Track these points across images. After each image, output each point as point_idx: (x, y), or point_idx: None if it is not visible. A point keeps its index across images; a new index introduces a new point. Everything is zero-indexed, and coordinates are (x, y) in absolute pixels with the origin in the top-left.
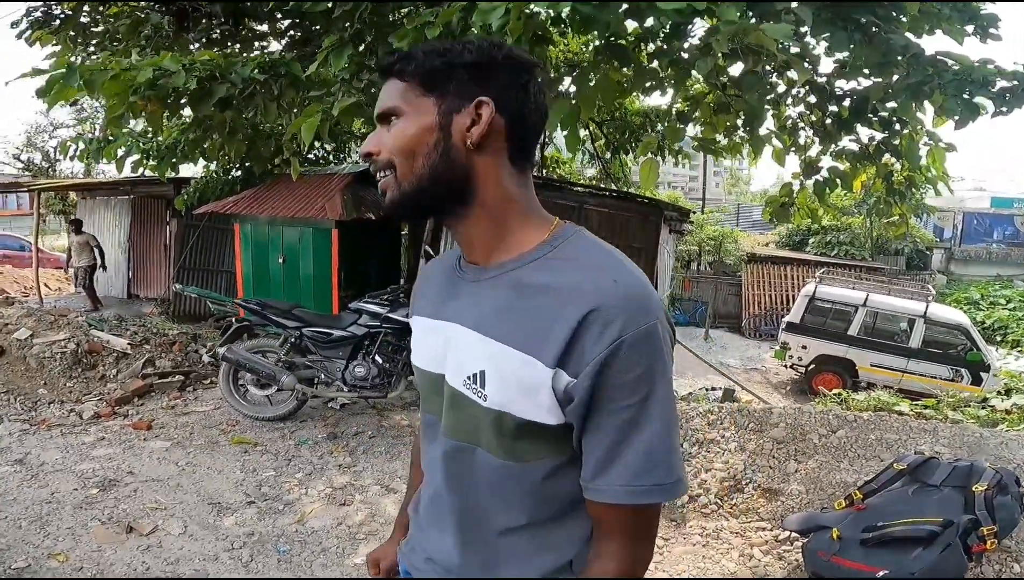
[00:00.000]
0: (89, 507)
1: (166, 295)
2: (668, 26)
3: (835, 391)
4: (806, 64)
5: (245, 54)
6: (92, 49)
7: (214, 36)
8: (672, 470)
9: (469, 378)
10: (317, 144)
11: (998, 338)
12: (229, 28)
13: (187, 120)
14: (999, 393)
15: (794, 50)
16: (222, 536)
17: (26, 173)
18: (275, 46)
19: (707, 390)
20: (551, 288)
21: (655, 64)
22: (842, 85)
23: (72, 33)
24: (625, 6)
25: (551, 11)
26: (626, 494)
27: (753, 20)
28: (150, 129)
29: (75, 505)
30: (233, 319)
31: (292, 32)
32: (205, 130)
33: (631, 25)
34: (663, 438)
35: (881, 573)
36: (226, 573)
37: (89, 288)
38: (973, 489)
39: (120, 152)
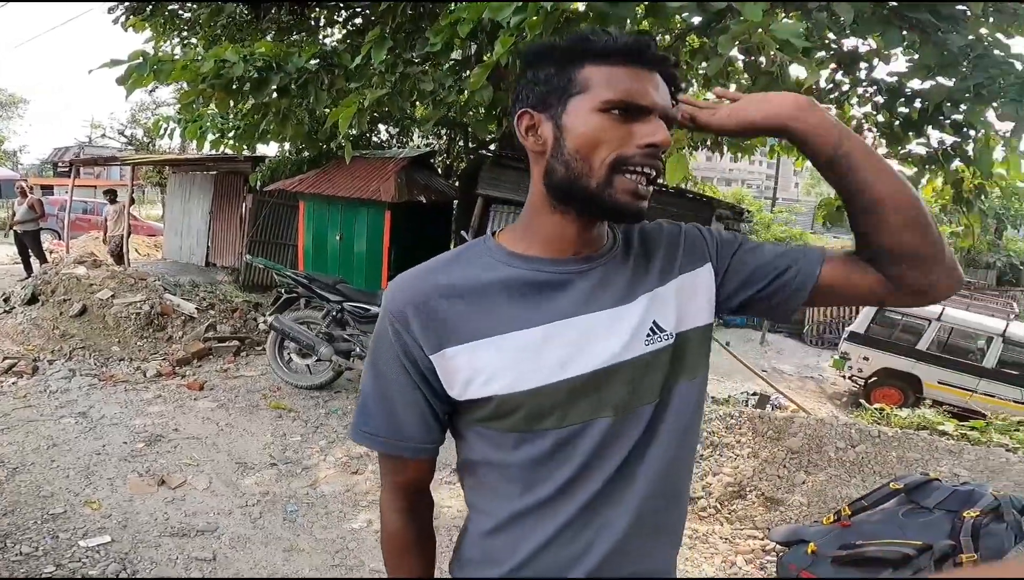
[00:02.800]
0: (132, 460)
1: (238, 265)
2: (697, 24)
3: (877, 406)
4: (864, 64)
5: (300, 45)
6: (184, 35)
7: (283, 25)
8: None
9: (649, 334)
10: (383, 127)
11: None
12: (295, 18)
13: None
14: None
15: (863, 48)
16: (240, 493)
17: (129, 148)
18: (338, 35)
19: (748, 394)
20: (647, 241)
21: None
22: (914, 86)
23: (161, 20)
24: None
25: (569, 7)
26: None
27: (784, 18)
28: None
29: (121, 457)
30: (283, 290)
31: (350, 23)
32: (264, 116)
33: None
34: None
35: None
36: (233, 527)
37: (118, 255)
38: (964, 514)
39: (200, 131)
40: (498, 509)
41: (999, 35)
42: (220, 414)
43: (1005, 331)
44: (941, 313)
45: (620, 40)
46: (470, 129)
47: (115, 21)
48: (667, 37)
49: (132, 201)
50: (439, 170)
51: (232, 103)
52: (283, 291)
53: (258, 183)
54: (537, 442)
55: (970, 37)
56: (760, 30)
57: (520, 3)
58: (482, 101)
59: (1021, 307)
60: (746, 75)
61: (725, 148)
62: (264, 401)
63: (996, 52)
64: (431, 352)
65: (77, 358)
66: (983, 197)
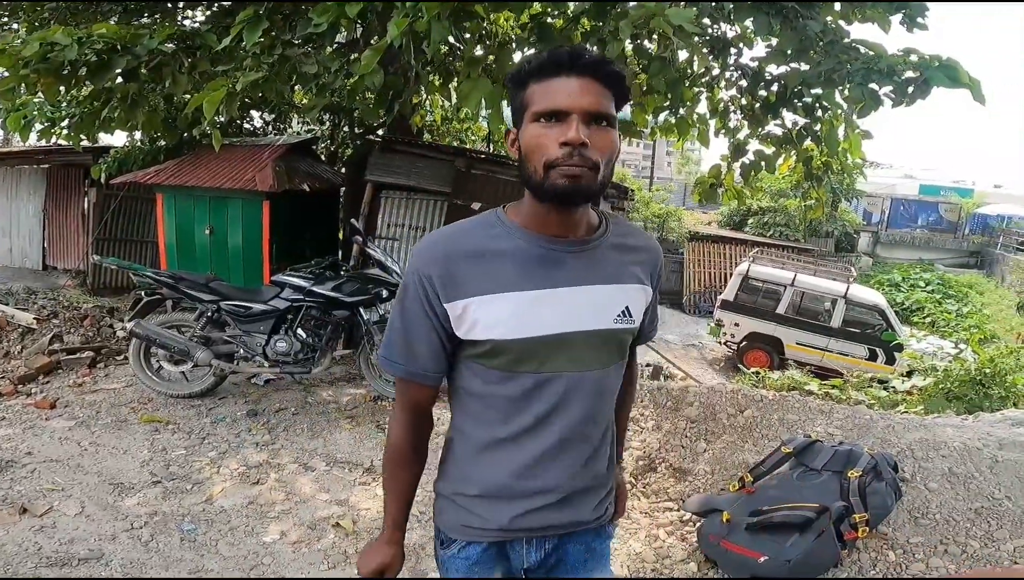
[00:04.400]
0: None
1: (84, 267)
2: (589, 8)
3: (753, 369)
4: (733, 49)
5: (152, 28)
6: (5, 20)
7: (130, 7)
8: None
9: (619, 315)
10: (256, 113)
11: (915, 319)
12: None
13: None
14: (902, 375)
15: (731, 33)
16: (122, 516)
17: None
18: (201, 16)
19: (643, 366)
20: (637, 248)
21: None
22: (772, 70)
23: None
24: None
25: None
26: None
27: (672, 6)
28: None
29: None
30: (143, 292)
31: (216, 4)
32: (105, 102)
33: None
34: None
35: (762, 559)
36: (122, 553)
37: None
38: (848, 475)
39: (24, 121)
40: (482, 434)
41: (841, 22)
42: (81, 433)
43: (847, 293)
44: (794, 278)
45: (551, 55)
46: (356, 114)
47: None
48: (561, 20)
49: None
50: (323, 157)
51: (63, 89)
52: (143, 293)
53: (103, 176)
54: (518, 381)
55: (842, 24)
56: (657, 16)
57: None
58: (372, 86)
59: (856, 270)
60: (634, 58)
61: None
62: (134, 415)
63: (844, 39)
64: (446, 301)
65: None
66: (829, 173)
